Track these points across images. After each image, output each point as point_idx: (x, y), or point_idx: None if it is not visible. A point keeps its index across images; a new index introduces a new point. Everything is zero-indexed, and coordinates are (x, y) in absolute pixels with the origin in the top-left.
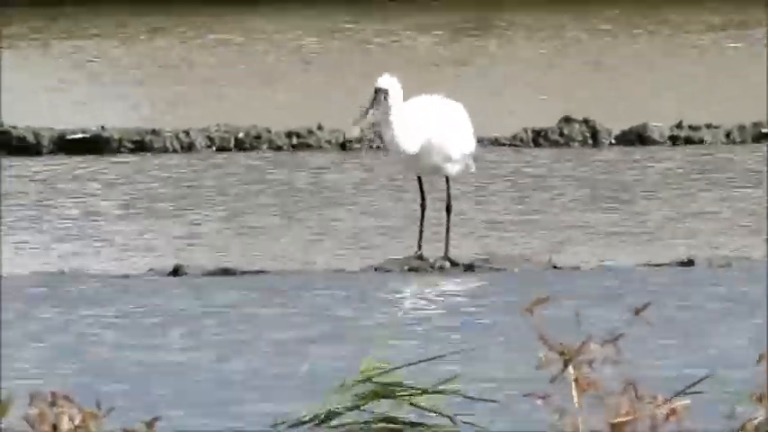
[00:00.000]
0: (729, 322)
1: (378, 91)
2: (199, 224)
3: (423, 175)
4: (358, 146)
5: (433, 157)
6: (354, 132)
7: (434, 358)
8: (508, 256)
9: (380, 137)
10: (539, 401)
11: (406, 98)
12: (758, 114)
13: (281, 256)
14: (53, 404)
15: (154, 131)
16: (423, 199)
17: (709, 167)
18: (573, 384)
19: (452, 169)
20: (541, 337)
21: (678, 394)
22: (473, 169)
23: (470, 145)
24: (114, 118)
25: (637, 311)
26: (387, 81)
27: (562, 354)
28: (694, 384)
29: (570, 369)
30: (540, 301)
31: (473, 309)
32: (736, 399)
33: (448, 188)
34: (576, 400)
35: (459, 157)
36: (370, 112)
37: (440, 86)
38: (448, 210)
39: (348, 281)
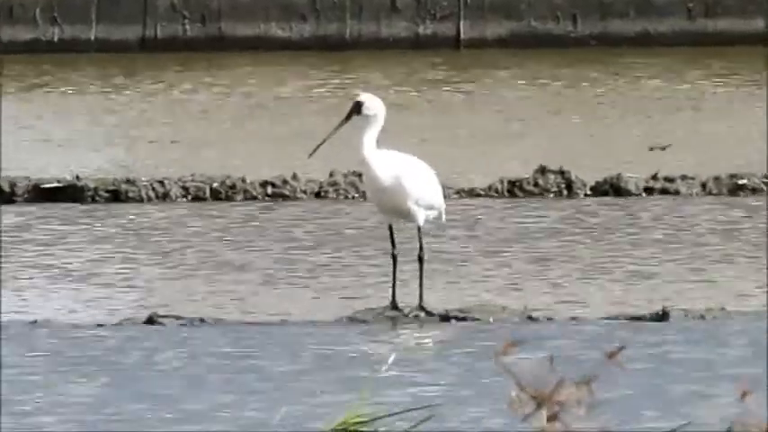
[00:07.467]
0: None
1: (355, 104)
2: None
3: (392, 220)
4: (334, 195)
5: (402, 195)
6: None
7: (412, 409)
8: (483, 306)
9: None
10: None
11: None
12: (736, 166)
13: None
14: None
15: (129, 181)
16: (393, 247)
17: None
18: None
19: (421, 216)
20: (514, 380)
21: None
22: (443, 220)
23: (439, 200)
24: (89, 167)
25: (610, 355)
26: (366, 95)
27: (534, 397)
28: None
29: (543, 411)
30: (512, 345)
31: (450, 356)
32: None
33: (420, 237)
34: None
35: (428, 205)
36: (340, 127)
37: (415, 134)
38: (420, 260)
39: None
